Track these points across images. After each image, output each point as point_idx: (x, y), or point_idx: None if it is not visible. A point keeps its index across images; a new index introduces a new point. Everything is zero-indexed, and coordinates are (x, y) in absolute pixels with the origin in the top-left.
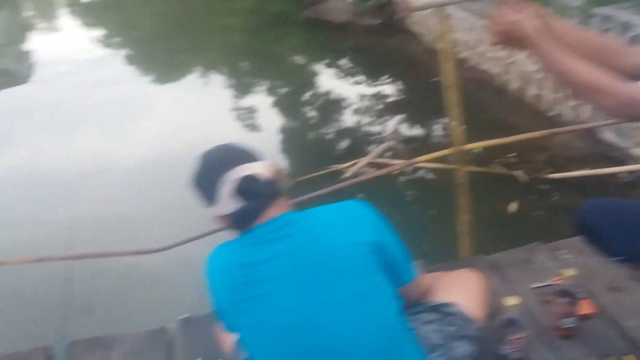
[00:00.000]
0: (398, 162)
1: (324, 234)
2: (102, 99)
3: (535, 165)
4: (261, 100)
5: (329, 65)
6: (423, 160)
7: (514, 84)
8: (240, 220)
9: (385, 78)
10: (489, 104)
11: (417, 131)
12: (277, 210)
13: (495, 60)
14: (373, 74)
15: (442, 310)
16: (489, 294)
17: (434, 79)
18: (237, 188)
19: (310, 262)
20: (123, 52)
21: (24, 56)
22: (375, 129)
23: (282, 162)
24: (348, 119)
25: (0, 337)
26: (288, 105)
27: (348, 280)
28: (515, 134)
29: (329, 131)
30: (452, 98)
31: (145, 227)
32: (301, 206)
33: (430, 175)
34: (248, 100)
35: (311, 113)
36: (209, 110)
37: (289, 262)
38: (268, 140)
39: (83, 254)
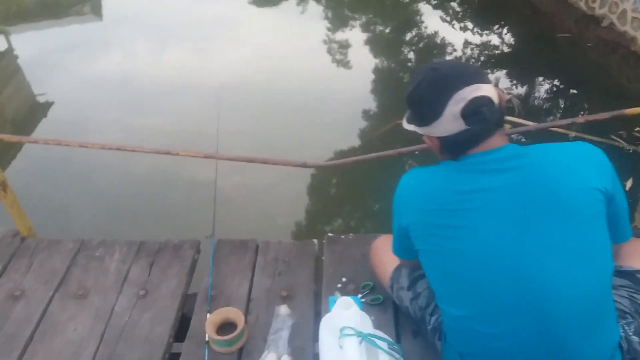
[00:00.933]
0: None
1: (555, 173)
2: (199, 14)
3: None
4: (357, 36)
5: (437, 7)
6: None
7: None
8: (459, 145)
9: (500, 27)
10: (619, 70)
11: (525, 90)
12: (498, 140)
13: (637, 22)
14: (487, 19)
15: (636, 278)
16: None
17: (563, 35)
18: (466, 109)
19: (535, 200)
20: None
21: None
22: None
23: (373, 104)
24: None
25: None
26: (385, 44)
27: (574, 225)
28: None
29: None
30: None
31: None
32: None
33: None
34: (343, 35)
35: (409, 55)
36: (300, 40)
37: (510, 195)
38: (359, 79)
39: (236, 156)
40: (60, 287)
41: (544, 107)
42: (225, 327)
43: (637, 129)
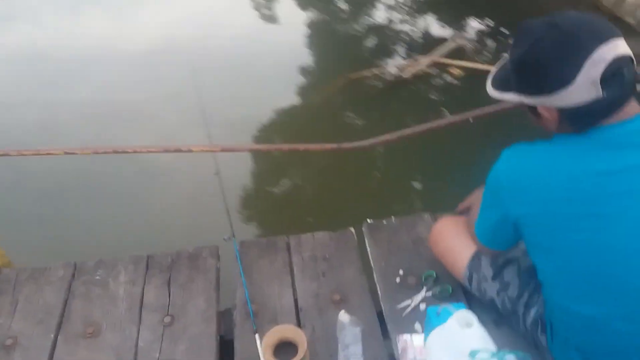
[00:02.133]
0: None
1: None
2: None
3: None
4: None
5: None
6: None
7: None
8: (590, 116)
9: None
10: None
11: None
12: (634, 108)
13: None
14: None
15: None
16: None
17: None
18: (607, 72)
19: None
20: None
21: None
22: (434, 27)
23: (310, 59)
24: (392, 14)
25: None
26: None
27: None
28: None
29: (367, 27)
30: None
31: (154, 114)
32: None
33: None
34: None
35: (341, 5)
36: None
37: None
38: (292, 35)
39: (259, 146)
40: (62, 327)
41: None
42: (281, 348)
43: None
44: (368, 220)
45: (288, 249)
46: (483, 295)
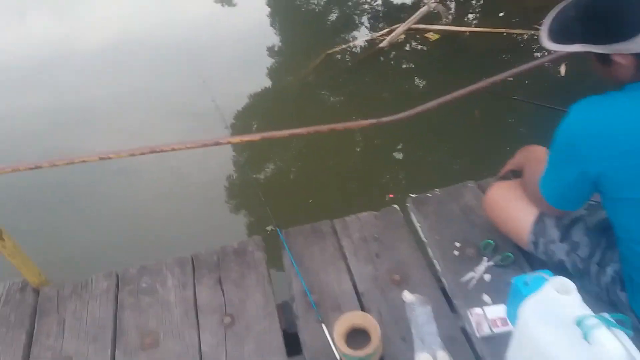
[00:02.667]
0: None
1: None
2: None
3: None
4: None
5: None
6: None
7: None
8: None
9: None
10: None
11: None
12: None
13: None
14: None
15: None
16: None
17: None
18: None
19: None
20: None
21: None
22: None
23: (276, 39)
24: None
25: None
26: None
27: None
28: None
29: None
30: None
31: (121, 113)
32: None
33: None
34: None
35: None
36: None
37: None
38: (253, 17)
39: (291, 132)
40: (118, 341)
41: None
42: (351, 336)
43: None
44: (411, 195)
45: (335, 233)
46: (550, 258)
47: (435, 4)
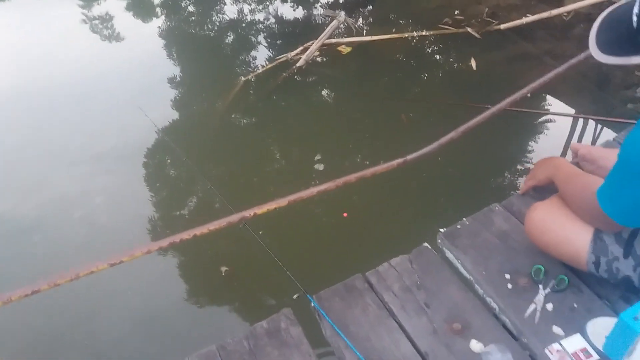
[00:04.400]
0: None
1: None
2: None
3: (482, 19)
4: (115, 4)
5: None
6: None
7: None
8: None
9: None
10: None
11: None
12: None
13: None
14: None
15: None
16: None
17: None
18: None
19: None
20: None
21: None
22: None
23: (175, 69)
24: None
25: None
26: (150, 5)
27: None
28: None
29: (233, 24)
30: None
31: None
32: None
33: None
34: (100, 8)
35: (189, 8)
36: (55, 28)
37: None
38: (147, 48)
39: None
40: None
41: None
42: None
43: (456, 12)
44: (440, 230)
45: (371, 287)
46: (614, 276)
47: (344, 17)
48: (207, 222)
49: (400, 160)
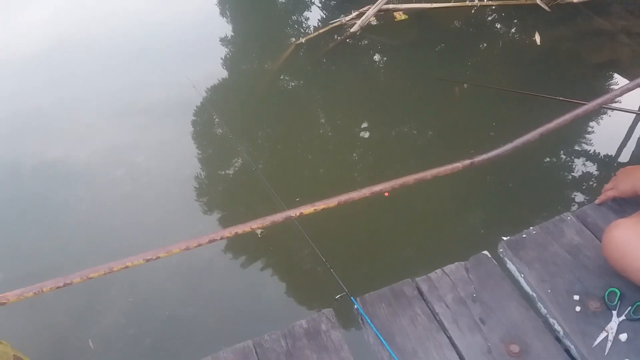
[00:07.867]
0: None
1: None
2: None
3: None
4: None
5: None
6: None
7: None
8: None
9: None
10: None
11: None
12: None
13: None
14: None
15: None
16: None
17: None
18: None
19: None
20: None
21: None
22: None
23: (227, 28)
24: None
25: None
26: None
27: None
28: None
29: None
30: None
31: (67, 118)
32: None
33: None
34: None
35: None
36: None
37: None
38: (203, 5)
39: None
40: None
41: None
42: None
43: None
44: (503, 238)
45: (421, 295)
46: None
47: None
48: (250, 218)
49: (466, 161)
